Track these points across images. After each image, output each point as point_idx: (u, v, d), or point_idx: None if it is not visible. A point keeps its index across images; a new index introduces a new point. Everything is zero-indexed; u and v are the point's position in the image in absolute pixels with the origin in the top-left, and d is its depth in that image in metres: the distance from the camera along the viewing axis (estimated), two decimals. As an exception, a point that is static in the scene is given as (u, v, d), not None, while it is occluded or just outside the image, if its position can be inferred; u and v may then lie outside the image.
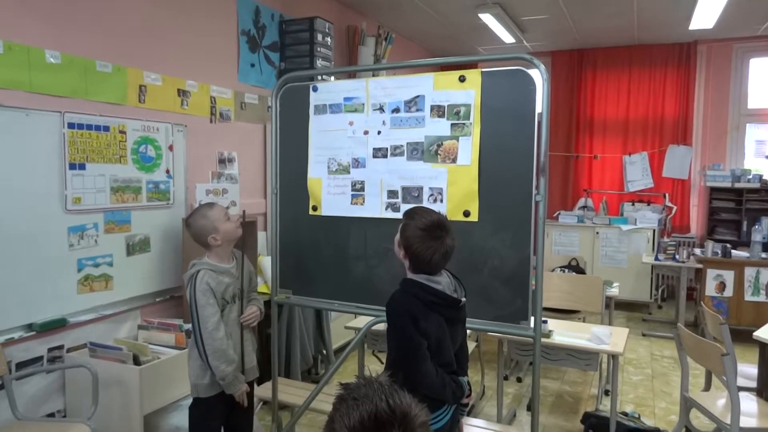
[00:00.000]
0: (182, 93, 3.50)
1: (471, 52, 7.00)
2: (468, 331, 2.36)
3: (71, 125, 2.82)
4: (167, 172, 3.36)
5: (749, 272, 4.96)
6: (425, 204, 2.37)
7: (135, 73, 3.18)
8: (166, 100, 3.38)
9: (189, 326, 2.99)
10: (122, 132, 3.07)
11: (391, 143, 2.48)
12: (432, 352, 1.78)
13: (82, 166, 2.87)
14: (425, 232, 1.78)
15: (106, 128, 2.99)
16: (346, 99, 2.58)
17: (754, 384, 3.06)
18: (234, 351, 2.27)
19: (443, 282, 1.83)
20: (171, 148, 3.38)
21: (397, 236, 1.87)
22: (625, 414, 3.44)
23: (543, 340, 2.87)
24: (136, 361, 2.71)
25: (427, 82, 2.39)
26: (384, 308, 1.83)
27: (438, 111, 2.36)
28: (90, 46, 2.94)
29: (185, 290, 2.27)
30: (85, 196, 2.89)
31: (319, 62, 4.26)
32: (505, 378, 4.09)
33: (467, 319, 1.97)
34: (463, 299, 1.87)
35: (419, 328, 1.74)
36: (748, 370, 3.23)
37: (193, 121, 3.58)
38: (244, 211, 2.58)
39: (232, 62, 3.96)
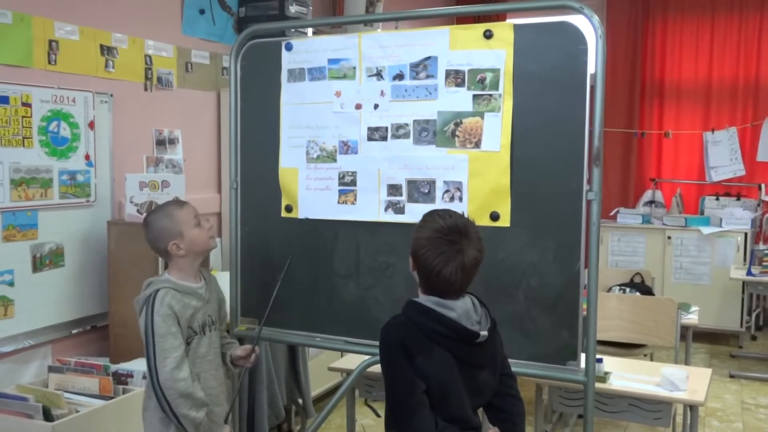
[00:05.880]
0: (107, 50, 3.50)
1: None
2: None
3: (-43, 96, 2.83)
4: (87, 158, 3.36)
5: None
6: (439, 204, 2.40)
7: (43, 24, 3.18)
8: (85, 61, 3.39)
9: (117, 367, 3.02)
10: (26, 104, 3.08)
11: (393, 121, 2.49)
12: (433, 401, 1.80)
13: (-29, 151, 2.88)
14: (439, 235, 1.82)
15: (4, 99, 2.99)
16: (332, 61, 2.59)
17: None
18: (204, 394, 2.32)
19: (459, 308, 1.86)
20: (92, 125, 3.39)
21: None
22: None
23: (597, 385, 2.89)
24: (48, 416, 2.71)
25: (442, 38, 2.40)
26: (382, 343, 1.87)
27: (456, 78, 2.38)
28: (-18, -13, 2.94)
29: (138, 317, 2.30)
30: (-23, 191, 2.89)
31: (294, 8, 4.25)
32: (546, 436, 4.11)
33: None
34: (483, 332, 1.88)
35: (415, 365, 1.78)
36: None
37: (122, 89, 3.59)
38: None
39: (174, 7, 3.96)
